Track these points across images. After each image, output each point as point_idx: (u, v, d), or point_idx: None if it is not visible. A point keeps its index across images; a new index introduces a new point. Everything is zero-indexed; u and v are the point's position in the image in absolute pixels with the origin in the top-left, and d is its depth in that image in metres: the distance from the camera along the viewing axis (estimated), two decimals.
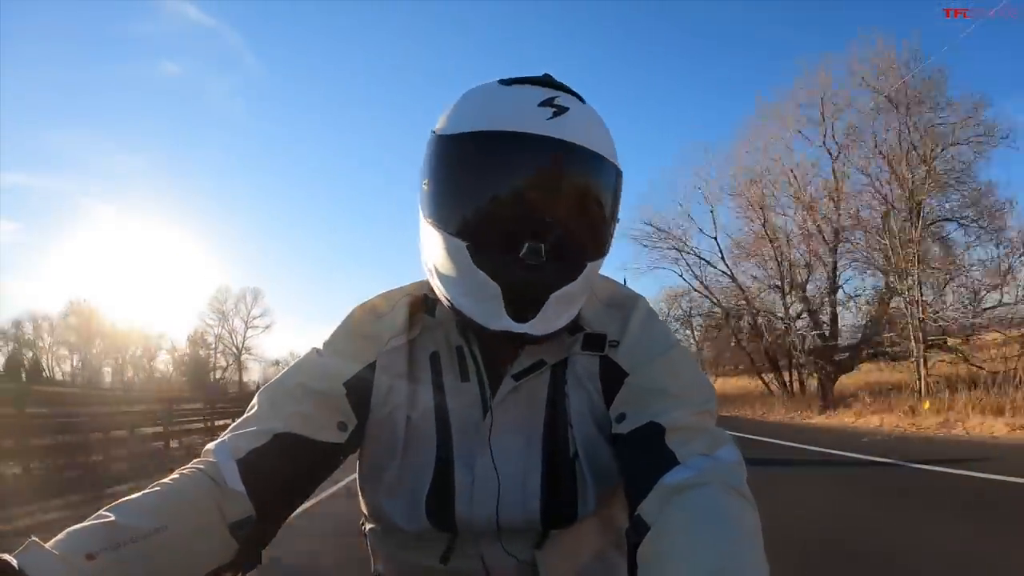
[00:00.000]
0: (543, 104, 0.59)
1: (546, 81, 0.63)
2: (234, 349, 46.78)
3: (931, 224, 14.29)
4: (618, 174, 0.64)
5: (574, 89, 0.64)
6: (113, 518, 0.50)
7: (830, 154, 15.86)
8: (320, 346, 0.70)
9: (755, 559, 0.47)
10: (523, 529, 0.67)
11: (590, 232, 0.63)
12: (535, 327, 0.61)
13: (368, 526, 0.76)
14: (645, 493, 0.55)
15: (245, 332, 46.52)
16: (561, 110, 0.59)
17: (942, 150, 13.92)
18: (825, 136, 15.83)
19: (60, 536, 0.48)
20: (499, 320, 0.60)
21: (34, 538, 0.46)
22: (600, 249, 0.64)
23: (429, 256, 0.66)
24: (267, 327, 46.53)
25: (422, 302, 0.72)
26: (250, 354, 46.77)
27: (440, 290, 0.65)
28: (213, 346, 47.34)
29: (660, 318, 0.73)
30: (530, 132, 0.58)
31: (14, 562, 0.43)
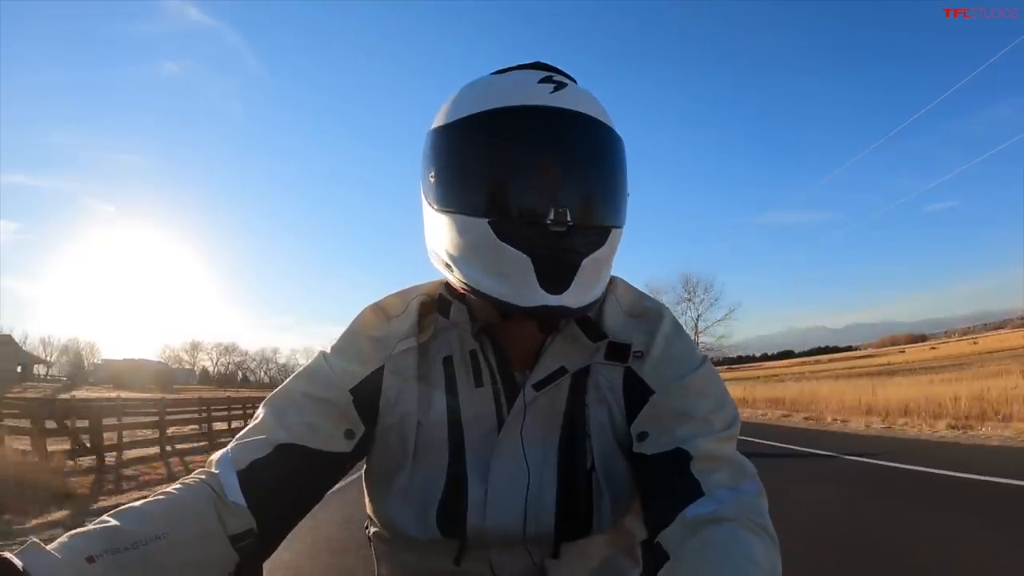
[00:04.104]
0: (542, 81, 0.61)
1: (540, 65, 0.65)
2: None
3: None
4: (623, 145, 0.65)
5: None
6: (115, 523, 0.50)
7: None
8: (328, 349, 0.69)
9: None
10: (535, 540, 0.66)
11: (609, 196, 0.62)
12: (570, 299, 0.58)
13: (373, 529, 0.74)
14: (667, 520, 0.55)
15: None
16: (560, 85, 0.61)
17: None
18: None
19: (62, 539, 0.47)
20: (532, 295, 0.57)
21: (34, 539, 0.45)
22: (620, 215, 0.63)
23: (444, 246, 0.63)
24: None
25: (436, 303, 0.70)
26: None
27: (460, 279, 0.62)
28: None
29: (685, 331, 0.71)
30: (538, 104, 0.59)
31: (17, 562, 0.42)
